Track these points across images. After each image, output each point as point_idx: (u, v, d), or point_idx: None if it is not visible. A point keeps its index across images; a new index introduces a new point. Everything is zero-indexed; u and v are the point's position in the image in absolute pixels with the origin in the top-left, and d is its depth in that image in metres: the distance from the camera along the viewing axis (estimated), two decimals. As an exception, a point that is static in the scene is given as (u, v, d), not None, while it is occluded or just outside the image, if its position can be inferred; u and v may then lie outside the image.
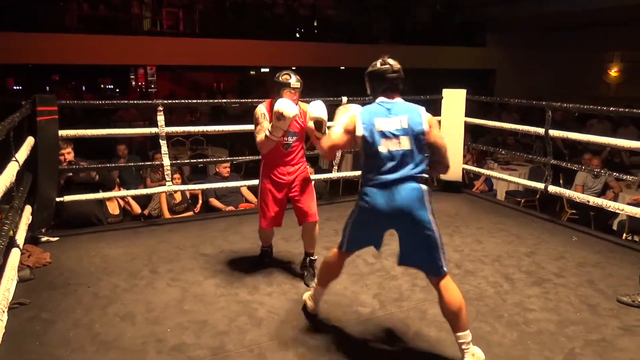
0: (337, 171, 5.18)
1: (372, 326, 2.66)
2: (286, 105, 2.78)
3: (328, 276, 2.63)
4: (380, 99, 2.35)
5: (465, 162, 6.00)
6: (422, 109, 2.32)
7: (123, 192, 4.71)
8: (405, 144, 2.26)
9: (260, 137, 2.95)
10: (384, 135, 2.27)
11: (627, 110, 4.03)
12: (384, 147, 2.27)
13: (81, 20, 10.07)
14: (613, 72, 13.21)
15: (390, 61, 2.35)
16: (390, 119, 2.28)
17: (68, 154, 4.25)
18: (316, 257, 3.22)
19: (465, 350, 2.25)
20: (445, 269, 2.28)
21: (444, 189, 5.43)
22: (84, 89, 14.27)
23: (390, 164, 2.27)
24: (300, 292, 3.02)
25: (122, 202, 4.72)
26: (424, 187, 2.27)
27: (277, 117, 2.79)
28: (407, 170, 2.26)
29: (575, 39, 12.92)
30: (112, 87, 15.22)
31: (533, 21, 12.36)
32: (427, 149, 2.31)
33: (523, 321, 2.71)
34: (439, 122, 5.23)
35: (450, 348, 2.45)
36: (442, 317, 2.71)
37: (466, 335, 2.25)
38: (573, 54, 13.03)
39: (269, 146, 2.96)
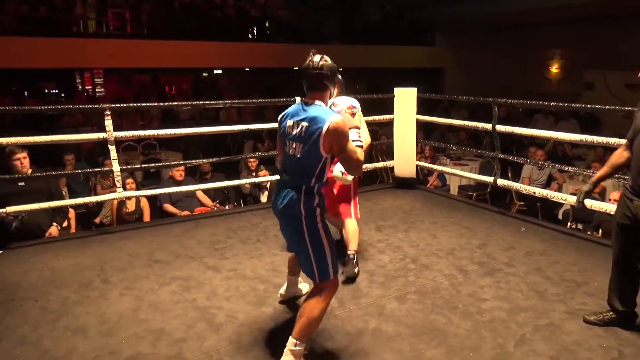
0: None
1: (331, 325, 2.67)
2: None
3: (289, 264, 2.82)
4: (304, 98, 2.27)
5: (419, 159, 6.14)
6: (332, 118, 2.14)
7: (72, 201, 4.52)
8: (297, 150, 2.21)
9: None
10: (287, 136, 2.27)
11: (566, 104, 4.25)
12: (287, 148, 2.28)
13: (20, 21, 9.58)
14: (554, 69, 13.86)
15: (315, 58, 2.23)
16: (296, 121, 2.23)
17: (24, 158, 4.02)
18: (352, 254, 3.23)
19: (285, 355, 2.20)
20: (320, 277, 2.25)
21: (398, 186, 5.54)
22: (26, 94, 13.60)
23: (287, 166, 2.30)
24: (259, 295, 3.00)
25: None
26: (304, 196, 2.21)
27: None
28: (294, 177, 2.25)
29: (518, 38, 13.50)
30: (56, 91, 14.58)
31: (478, 21, 12.81)
32: (323, 158, 2.20)
33: (477, 311, 2.80)
34: (392, 120, 5.34)
35: (408, 341, 2.50)
36: (399, 312, 2.79)
37: (294, 344, 2.19)
38: (517, 52, 13.60)
39: None
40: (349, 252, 3.26)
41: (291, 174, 2.27)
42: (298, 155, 2.22)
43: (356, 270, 3.23)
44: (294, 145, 2.23)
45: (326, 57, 2.26)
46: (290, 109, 2.33)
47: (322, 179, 2.27)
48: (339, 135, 2.14)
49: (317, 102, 2.24)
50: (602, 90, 11.24)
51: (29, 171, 4.06)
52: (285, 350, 2.21)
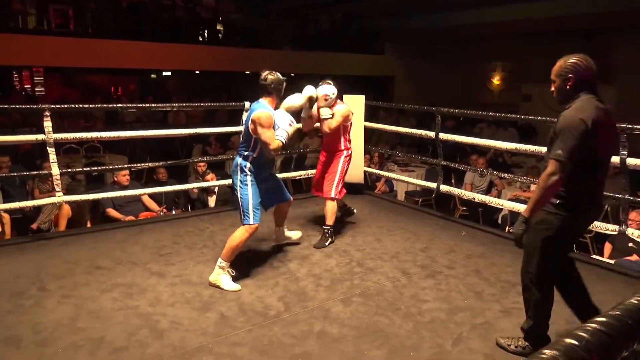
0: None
1: (278, 328, 2.69)
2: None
3: (274, 218, 3.83)
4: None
5: (368, 165, 6.26)
6: (258, 112, 3.11)
7: (6, 205, 4.30)
8: (243, 130, 3.32)
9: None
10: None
11: (503, 115, 4.48)
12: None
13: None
14: (495, 81, 14.55)
15: (264, 73, 3.23)
16: (247, 113, 3.32)
17: None
18: (328, 227, 3.97)
19: (215, 269, 3.16)
20: (243, 222, 3.20)
21: (347, 191, 5.61)
22: (-45, 91, 12.74)
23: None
24: (204, 300, 2.97)
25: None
26: (241, 161, 3.23)
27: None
28: (239, 149, 3.29)
29: (462, 51, 14.09)
30: (-10, 89, 13.75)
31: (423, 34, 13.27)
32: (252, 137, 3.19)
33: (418, 312, 2.91)
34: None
35: (352, 342, 2.56)
36: (344, 314, 2.85)
37: (220, 261, 3.16)
38: (461, 64, 14.18)
39: (305, 126, 4.10)
40: (324, 227, 3.99)
41: (238, 147, 3.31)
42: (242, 133, 3.32)
43: (326, 244, 3.92)
44: (242, 128, 3.35)
45: (273, 72, 3.24)
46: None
47: (255, 151, 3.21)
48: (257, 124, 3.11)
49: (262, 101, 3.24)
50: (538, 102, 11.89)
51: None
52: (216, 266, 3.16)
